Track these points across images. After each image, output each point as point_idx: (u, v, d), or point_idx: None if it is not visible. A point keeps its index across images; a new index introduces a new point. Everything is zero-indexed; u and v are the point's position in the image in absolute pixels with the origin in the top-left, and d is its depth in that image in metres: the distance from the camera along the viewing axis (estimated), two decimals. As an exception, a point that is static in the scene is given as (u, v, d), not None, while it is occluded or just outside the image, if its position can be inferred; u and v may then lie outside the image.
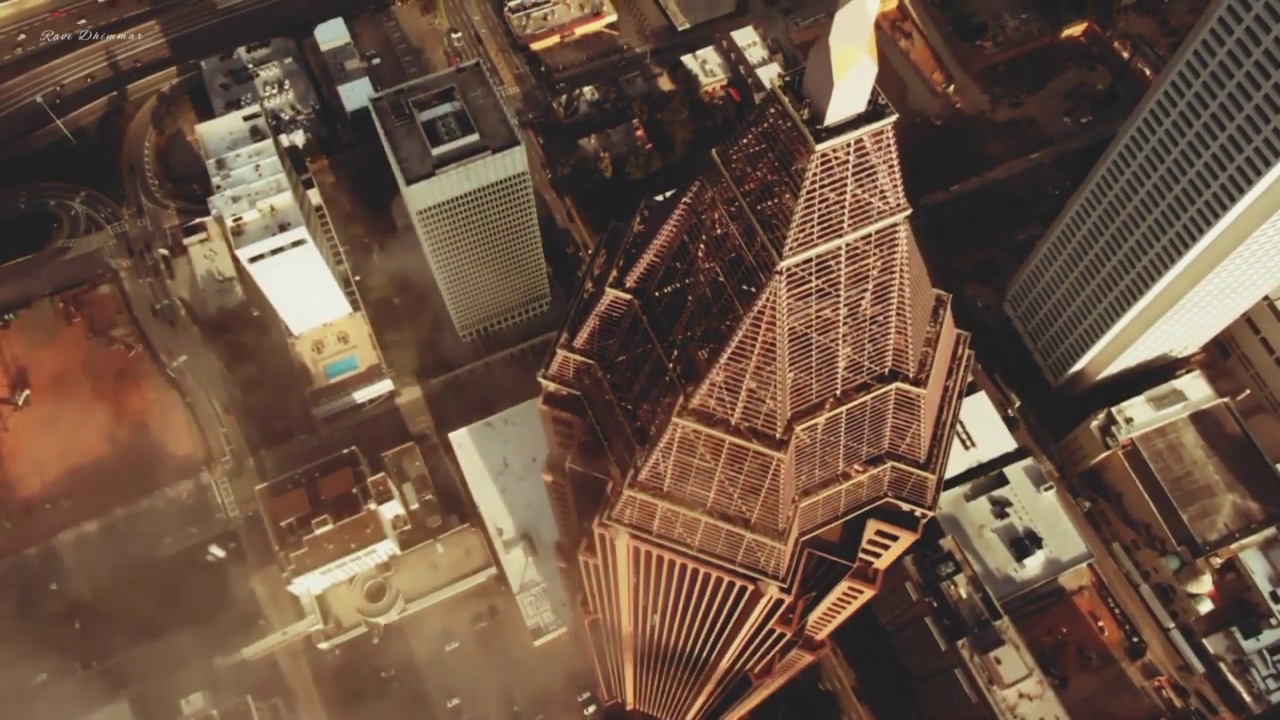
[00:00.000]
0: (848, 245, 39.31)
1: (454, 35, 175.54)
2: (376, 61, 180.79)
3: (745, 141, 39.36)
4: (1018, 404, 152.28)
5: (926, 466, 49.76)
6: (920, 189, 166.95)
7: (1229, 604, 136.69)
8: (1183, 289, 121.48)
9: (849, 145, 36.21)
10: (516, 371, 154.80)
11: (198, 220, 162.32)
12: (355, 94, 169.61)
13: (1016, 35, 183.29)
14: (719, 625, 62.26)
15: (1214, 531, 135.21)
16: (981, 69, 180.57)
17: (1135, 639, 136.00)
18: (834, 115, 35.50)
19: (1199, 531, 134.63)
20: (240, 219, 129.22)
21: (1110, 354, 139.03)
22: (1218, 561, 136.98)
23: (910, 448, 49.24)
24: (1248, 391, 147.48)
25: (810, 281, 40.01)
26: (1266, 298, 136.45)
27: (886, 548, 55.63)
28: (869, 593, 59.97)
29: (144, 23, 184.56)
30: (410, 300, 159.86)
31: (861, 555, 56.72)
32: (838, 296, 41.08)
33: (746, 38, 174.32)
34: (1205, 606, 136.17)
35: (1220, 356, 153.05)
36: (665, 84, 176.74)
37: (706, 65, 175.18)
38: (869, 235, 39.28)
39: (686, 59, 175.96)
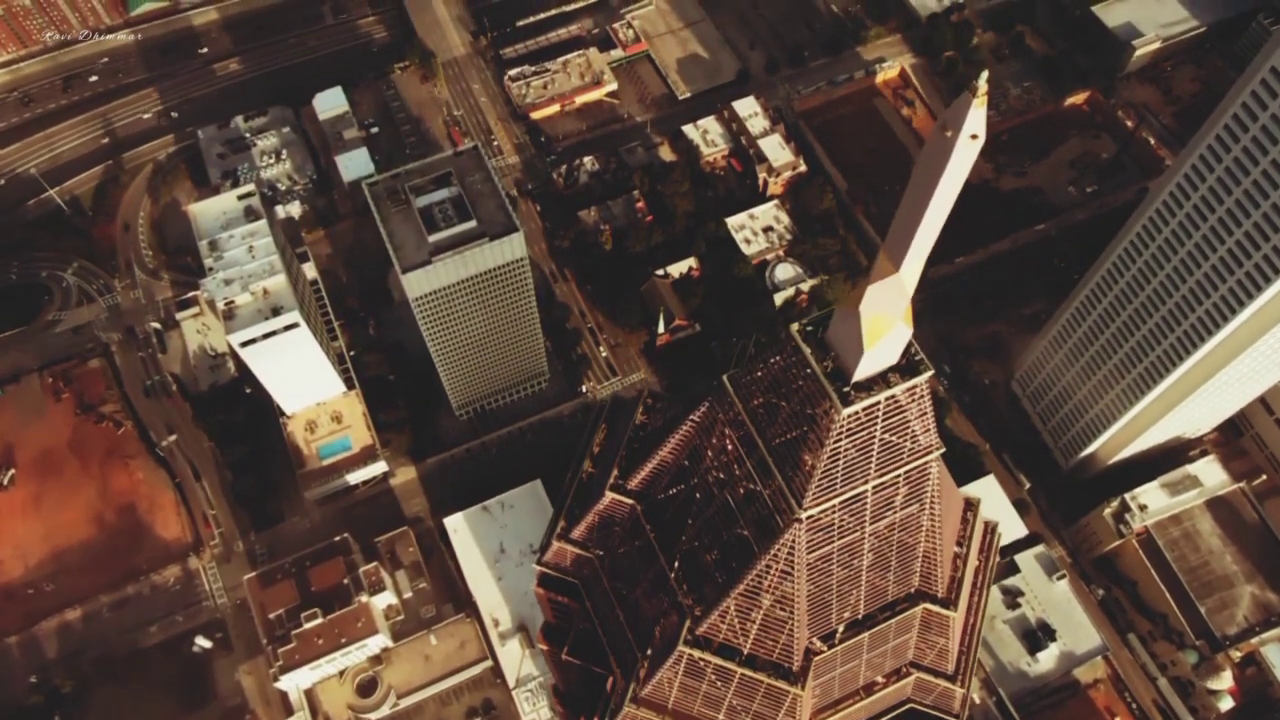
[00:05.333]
0: (874, 486, 35.96)
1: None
2: (375, 130, 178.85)
3: (760, 375, 36.03)
4: (1027, 486, 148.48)
5: (954, 678, 46.00)
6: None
7: (1251, 700, 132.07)
8: (1202, 376, 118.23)
9: (880, 403, 32.93)
10: (514, 451, 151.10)
11: (191, 294, 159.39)
12: (353, 164, 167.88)
13: (1019, 104, 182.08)
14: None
15: (1233, 625, 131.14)
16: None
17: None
18: (863, 373, 32.27)
19: (1218, 625, 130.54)
20: (232, 302, 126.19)
21: (1124, 438, 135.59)
22: (1238, 655, 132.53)
23: (937, 660, 45.54)
24: (1264, 476, 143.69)
25: (832, 521, 36.61)
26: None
27: (909, 741, 51.75)
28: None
29: (142, 90, 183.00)
30: (406, 376, 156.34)
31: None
32: (862, 531, 37.62)
33: (748, 107, 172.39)
34: (1226, 703, 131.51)
35: (1233, 435, 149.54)
36: (666, 154, 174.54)
37: (708, 135, 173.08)
38: (898, 476, 35.99)
39: (687, 128, 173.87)
